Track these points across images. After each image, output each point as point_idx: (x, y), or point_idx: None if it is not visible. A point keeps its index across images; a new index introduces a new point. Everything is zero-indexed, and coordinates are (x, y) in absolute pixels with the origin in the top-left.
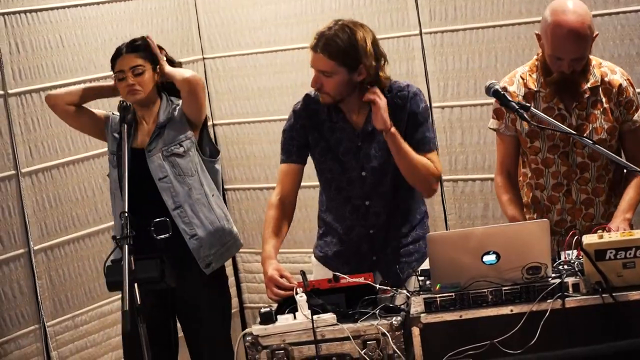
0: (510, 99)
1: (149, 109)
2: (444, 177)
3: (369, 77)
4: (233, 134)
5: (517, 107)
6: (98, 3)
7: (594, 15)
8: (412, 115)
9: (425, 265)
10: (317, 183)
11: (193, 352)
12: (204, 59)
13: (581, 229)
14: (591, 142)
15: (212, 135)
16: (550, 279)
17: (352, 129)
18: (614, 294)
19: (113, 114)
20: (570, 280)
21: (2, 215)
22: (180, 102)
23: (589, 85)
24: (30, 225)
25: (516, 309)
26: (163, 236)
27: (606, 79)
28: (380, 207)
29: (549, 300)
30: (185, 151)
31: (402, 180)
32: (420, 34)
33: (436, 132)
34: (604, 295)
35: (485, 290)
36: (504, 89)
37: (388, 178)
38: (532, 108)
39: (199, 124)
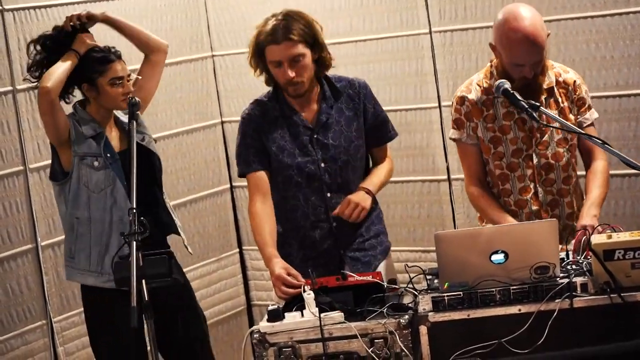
0: (520, 98)
1: (112, 114)
2: (452, 177)
3: (322, 54)
4: None
5: (526, 107)
6: (105, 0)
7: (604, 15)
8: (369, 105)
9: (433, 264)
10: None
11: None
12: (213, 56)
13: None
14: (600, 141)
15: (221, 132)
16: (558, 278)
17: (307, 121)
18: (622, 294)
19: (70, 115)
20: (578, 280)
21: (10, 210)
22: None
23: (545, 86)
24: (37, 221)
25: (524, 309)
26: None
27: (560, 78)
28: (342, 198)
29: (557, 300)
30: (154, 139)
31: (360, 171)
32: (430, 32)
33: (445, 131)
34: (612, 295)
35: (493, 289)
36: (462, 99)
37: (349, 169)
38: (541, 107)
39: (144, 108)
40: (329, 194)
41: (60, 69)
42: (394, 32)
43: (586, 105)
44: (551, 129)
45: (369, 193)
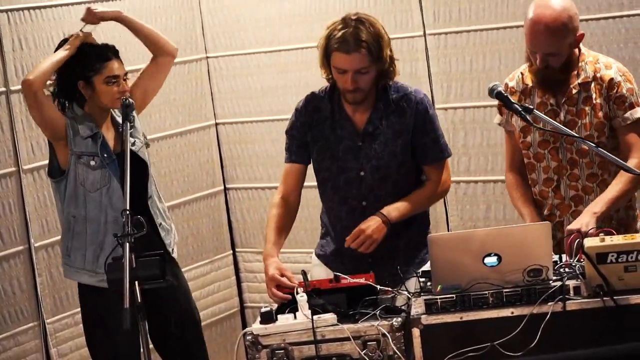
0: (513, 101)
1: (108, 113)
2: None
3: (387, 66)
4: (236, 133)
5: (519, 109)
6: (102, 1)
7: (598, 19)
8: (420, 121)
9: (426, 266)
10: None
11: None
12: (207, 57)
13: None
14: (594, 145)
15: (215, 134)
16: (551, 281)
17: (354, 127)
18: (615, 298)
19: (70, 112)
20: (571, 283)
21: (3, 211)
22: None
23: (579, 80)
24: (31, 222)
25: (517, 311)
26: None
27: (598, 74)
28: (377, 209)
29: (550, 303)
30: (148, 143)
31: (404, 186)
32: (424, 35)
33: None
34: (605, 298)
35: (486, 292)
36: (506, 86)
37: (388, 182)
38: (535, 111)
39: (142, 108)
40: (364, 202)
41: (46, 62)
42: (389, 34)
43: (627, 104)
44: (579, 124)
45: (386, 222)
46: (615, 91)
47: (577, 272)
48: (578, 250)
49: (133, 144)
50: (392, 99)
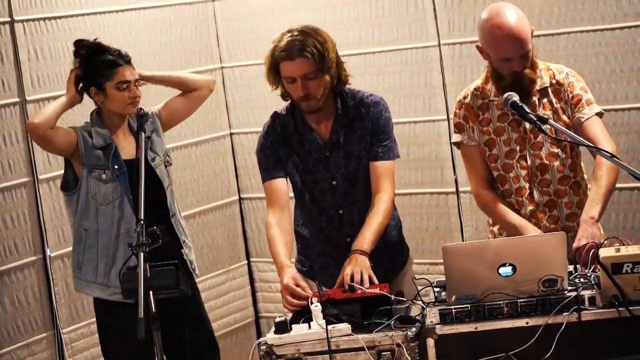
0: (527, 110)
1: (125, 119)
2: (460, 189)
3: (336, 74)
4: (250, 143)
5: (535, 120)
6: (117, 11)
7: (613, 29)
8: (375, 125)
9: (441, 276)
10: None
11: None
12: (222, 67)
13: (545, 231)
14: (609, 154)
15: (230, 144)
16: (566, 291)
17: (320, 139)
18: (630, 308)
19: (82, 127)
20: (586, 293)
21: (17, 221)
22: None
23: (537, 87)
24: (47, 232)
25: (532, 322)
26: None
27: (554, 80)
28: (354, 215)
29: (565, 313)
30: (170, 163)
31: (368, 188)
32: (439, 45)
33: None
34: (620, 309)
35: (501, 302)
36: (460, 104)
37: (359, 186)
38: (550, 120)
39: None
40: (340, 211)
41: (50, 107)
42: (403, 44)
43: (583, 101)
44: (545, 129)
45: (364, 253)
46: (571, 92)
47: (592, 282)
48: (593, 261)
49: (153, 159)
50: (350, 106)
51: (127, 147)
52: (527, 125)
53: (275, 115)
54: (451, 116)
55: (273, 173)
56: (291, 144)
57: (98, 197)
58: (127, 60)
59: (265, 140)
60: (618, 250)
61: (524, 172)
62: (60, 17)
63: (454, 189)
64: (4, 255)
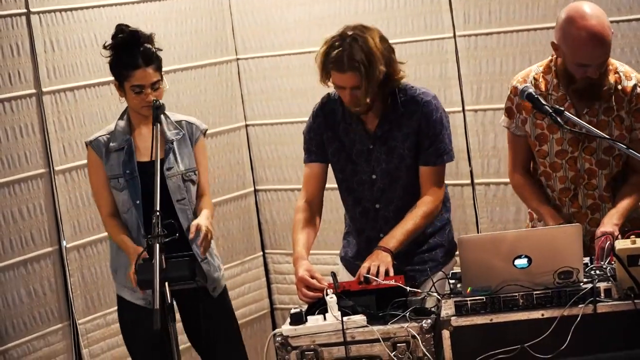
0: (544, 102)
1: (148, 120)
2: (476, 181)
3: (385, 76)
4: (265, 134)
5: (550, 111)
6: (133, 2)
7: (630, 20)
8: (424, 126)
9: (457, 268)
10: None
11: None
12: (237, 59)
13: (586, 234)
14: (625, 147)
15: (245, 136)
16: (582, 283)
17: (365, 131)
18: None
19: (97, 139)
20: (602, 285)
21: (34, 212)
22: (183, 119)
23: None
24: (63, 223)
25: (547, 314)
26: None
27: (619, 86)
28: (390, 212)
29: (580, 305)
30: (194, 182)
31: (413, 189)
32: (454, 36)
33: (469, 135)
34: (636, 301)
35: (517, 294)
36: (515, 89)
37: (398, 185)
38: (565, 112)
39: None
40: (377, 205)
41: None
42: (418, 36)
43: None
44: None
45: (387, 250)
46: (634, 104)
47: (608, 274)
48: (609, 253)
49: (169, 168)
50: (400, 102)
51: (143, 148)
52: (583, 129)
53: (327, 98)
54: (467, 108)
55: (313, 157)
56: (337, 130)
57: (119, 206)
58: (147, 62)
59: (313, 122)
60: (634, 242)
61: (571, 174)
62: (76, 9)
63: (469, 181)
64: (21, 247)
